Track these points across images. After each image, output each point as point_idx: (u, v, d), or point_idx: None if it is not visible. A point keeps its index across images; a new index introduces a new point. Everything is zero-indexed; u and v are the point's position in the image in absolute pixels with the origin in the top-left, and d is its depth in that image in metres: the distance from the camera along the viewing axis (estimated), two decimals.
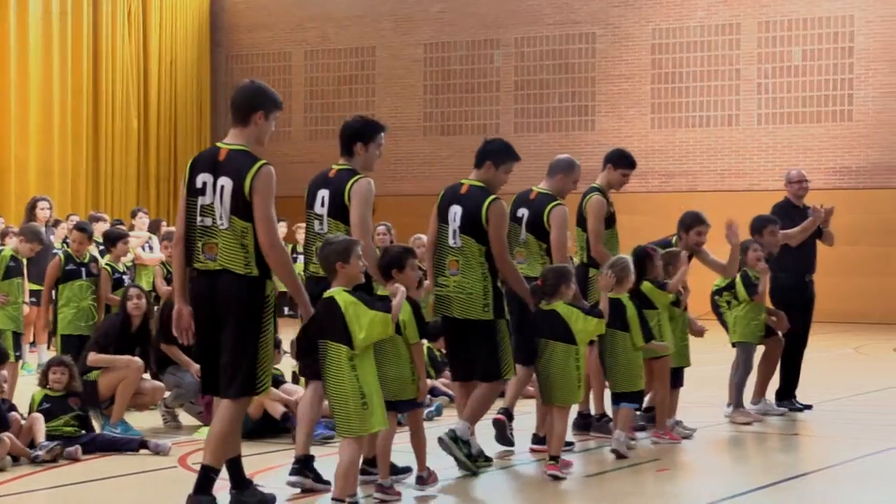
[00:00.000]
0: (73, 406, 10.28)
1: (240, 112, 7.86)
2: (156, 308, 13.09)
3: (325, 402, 8.36)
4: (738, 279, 12.24)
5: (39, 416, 9.88)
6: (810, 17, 27.73)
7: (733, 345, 12.44)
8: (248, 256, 7.57)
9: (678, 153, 28.72)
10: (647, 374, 10.64)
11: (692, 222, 11.72)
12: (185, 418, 11.91)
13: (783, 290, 13.06)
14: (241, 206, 7.59)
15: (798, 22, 27.85)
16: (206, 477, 7.66)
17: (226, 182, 7.65)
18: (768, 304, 12.82)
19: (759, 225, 12.74)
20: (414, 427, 8.68)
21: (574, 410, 10.82)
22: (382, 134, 9.00)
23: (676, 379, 11.28)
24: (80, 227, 13.56)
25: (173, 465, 9.77)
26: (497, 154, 9.67)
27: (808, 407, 13.13)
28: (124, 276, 13.61)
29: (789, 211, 13.51)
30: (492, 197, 9.43)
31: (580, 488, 9.16)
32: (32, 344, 17.28)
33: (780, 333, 12.89)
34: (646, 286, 10.74)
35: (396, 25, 31.58)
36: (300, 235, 20.44)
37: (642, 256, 10.77)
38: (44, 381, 10.35)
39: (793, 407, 13.05)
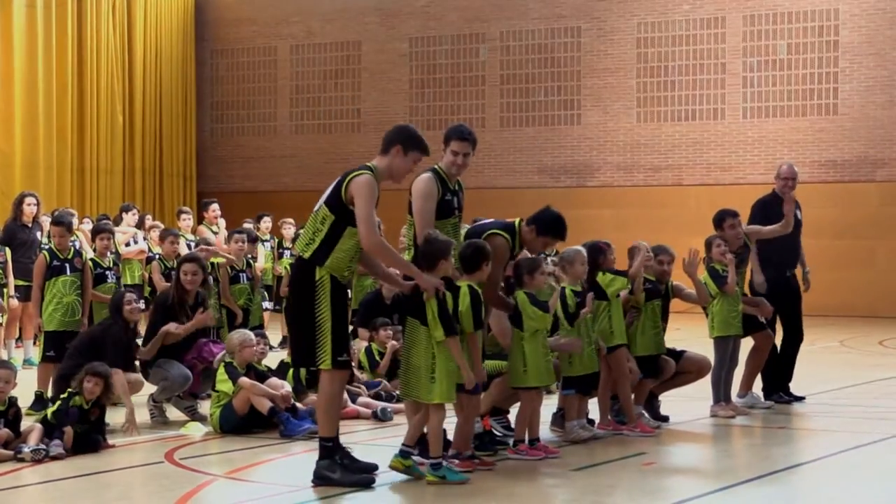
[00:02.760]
0: (92, 417, 10.21)
1: (383, 142, 8.87)
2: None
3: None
4: (706, 276, 12.25)
5: (39, 427, 9.85)
6: (795, 10, 27.78)
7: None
8: (311, 241, 8.55)
9: (664, 147, 28.74)
10: (603, 369, 10.79)
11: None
12: (173, 413, 11.90)
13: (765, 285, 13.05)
14: (334, 199, 8.56)
15: (783, 15, 27.90)
16: (322, 447, 8.71)
17: (335, 181, 8.71)
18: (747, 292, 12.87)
19: (718, 219, 12.71)
20: (465, 411, 9.21)
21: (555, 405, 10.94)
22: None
23: (650, 369, 11.35)
24: (57, 221, 13.56)
25: (160, 460, 9.77)
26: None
27: (801, 398, 13.17)
28: (108, 272, 13.57)
29: (773, 205, 13.47)
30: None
31: (566, 481, 9.17)
32: (19, 339, 17.27)
33: (767, 327, 12.94)
34: (600, 276, 10.87)
35: (382, 20, 31.55)
36: (286, 231, 20.37)
37: (594, 249, 10.87)
38: (77, 386, 10.22)
39: (783, 399, 13.08)
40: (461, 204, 9.61)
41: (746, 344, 12.83)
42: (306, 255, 8.55)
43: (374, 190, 8.54)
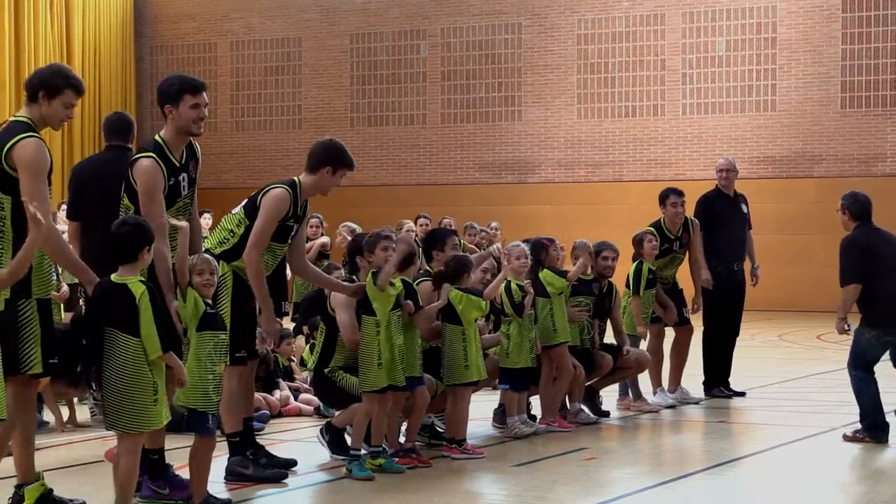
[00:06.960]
0: None
1: (311, 159, 8.90)
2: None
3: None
4: (632, 269, 12.26)
5: None
6: (734, 7, 27.98)
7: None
8: (224, 241, 8.67)
9: (604, 143, 28.87)
10: (544, 364, 10.80)
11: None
12: None
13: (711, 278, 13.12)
14: (251, 206, 8.73)
15: (722, 12, 28.10)
16: (230, 444, 8.77)
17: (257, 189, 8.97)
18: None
19: (663, 196, 12.86)
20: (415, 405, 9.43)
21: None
22: None
23: (580, 360, 11.30)
24: None
25: (100, 458, 9.68)
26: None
27: (742, 394, 13.25)
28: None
29: (717, 200, 13.57)
30: None
31: (507, 477, 9.19)
32: None
33: (691, 321, 13.01)
34: (544, 273, 10.88)
35: (322, 16, 31.47)
36: None
37: (536, 246, 10.89)
38: None
39: (724, 394, 13.15)
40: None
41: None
42: (215, 253, 8.60)
43: (281, 207, 8.58)
